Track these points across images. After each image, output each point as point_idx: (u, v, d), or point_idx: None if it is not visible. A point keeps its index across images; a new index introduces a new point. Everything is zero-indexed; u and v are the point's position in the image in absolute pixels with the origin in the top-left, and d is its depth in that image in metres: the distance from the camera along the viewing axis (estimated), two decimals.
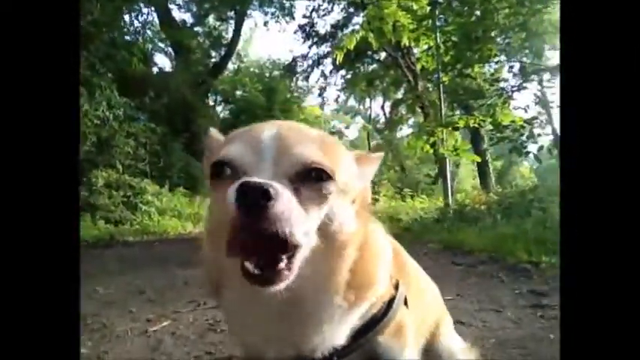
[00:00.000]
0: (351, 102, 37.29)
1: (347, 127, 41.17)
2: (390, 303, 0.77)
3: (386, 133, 29.86)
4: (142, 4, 16.26)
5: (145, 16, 17.35)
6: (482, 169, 16.53)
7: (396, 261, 0.90)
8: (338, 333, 0.71)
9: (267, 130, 0.67)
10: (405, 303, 0.82)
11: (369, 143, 37.72)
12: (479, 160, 10.70)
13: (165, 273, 3.46)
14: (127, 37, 14.17)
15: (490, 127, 8.36)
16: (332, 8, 19.56)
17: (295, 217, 0.58)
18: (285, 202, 0.57)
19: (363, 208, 0.76)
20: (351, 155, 0.77)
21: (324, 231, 0.64)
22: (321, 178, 0.63)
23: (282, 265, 0.58)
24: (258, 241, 0.56)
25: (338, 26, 19.56)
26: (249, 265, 0.57)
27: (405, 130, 29.27)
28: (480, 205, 7.82)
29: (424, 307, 0.95)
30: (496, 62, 9.49)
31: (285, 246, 0.58)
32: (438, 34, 8.67)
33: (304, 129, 0.73)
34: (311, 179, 0.63)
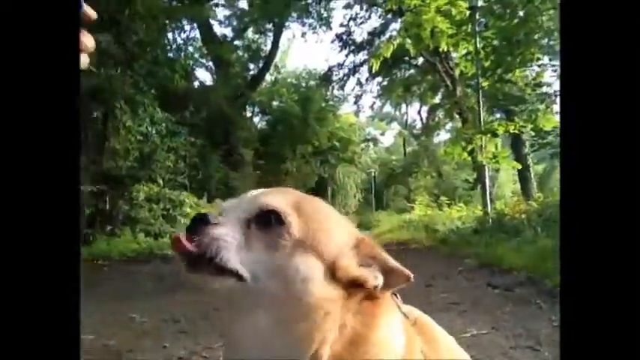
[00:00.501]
0: (387, 108, 37.04)
1: (382, 134, 40.88)
2: None
3: (422, 139, 29.41)
4: (184, 22, 16.88)
5: (187, 33, 18.02)
6: (523, 175, 15.92)
7: (426, 337, 0.86)
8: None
9: (259, 190, 0.78)
10: None
11: (404, 149, 37.22)
12: (519, 167, 10.32)
13: (199, 295, 3.49)
14: (170, 54, 14.72)
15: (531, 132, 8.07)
16: (369, 16, 19.54)
17: (230, 244, 0.67)
18: (222, 230, 0.67)
19: (367, 299, 0.76)
20: (347, 229, 0.79)
21: (284, 279, 0.68)
22: (274, 223, 0.69)
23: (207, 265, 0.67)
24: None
25: (375, 34, 19.51)
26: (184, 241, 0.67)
27: (442, 135, 28.71)
28: (520, 214, 7.52)
29: None
30: (538, 66, 9.16)
31: (211, 263, 0.67)
32: (477, 38, 8.48)
33: (293, 192, 0.81)
34: (264, 222, 0.70)
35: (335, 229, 0.76)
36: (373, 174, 35.87)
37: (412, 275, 0.75)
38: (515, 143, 15.73)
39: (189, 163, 12.92)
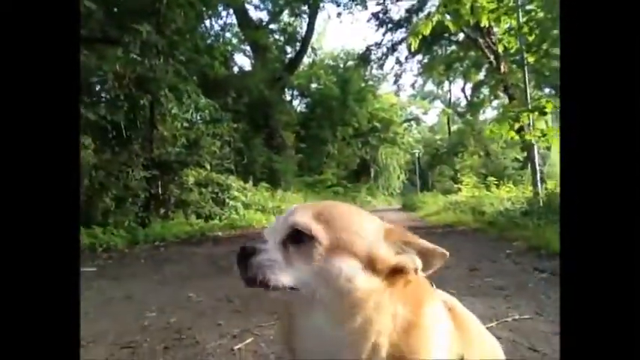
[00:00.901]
0: (429, 86, 36.06)
1: (425, 113, 39.90)
2: None
3: (468, 117, 28.44)
4: (220, 8, 17.10)
5: (224, 19, 18.25)
6: None
7: (456, 322, 0.89)
8: None
9: (292, 208, 0.87)
10: None
11: (449, 128, 36.17)
12: None
13: None
14: (208, 41, 15.01)
15: None
16: None
17: (272, 266, 0.77)
18: (263, 257, 0.77)
19: (405, 284, 0.80)
20: (374, 224, 0.83)
21: (329, 282, 0.76)
22: (304, 237, 0.78)
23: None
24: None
25: (412, 10, 18.89)
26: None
27: (488, 113, 27.63)
28: None
29: None
30: None
31: (264, 284, 0.78)
32: (520, 12, 8.02)
33: (319, 203, 0.88)
34: (296, 239, 0.78)
35: (360, 227, 0.81)
36: (417, 155, 35.21)
37: (447, 253, 0.81)
38: None
39: (233, 148, 13.21)
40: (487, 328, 0.94)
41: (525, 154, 15.63)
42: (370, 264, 0.77)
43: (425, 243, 0.82)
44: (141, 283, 3.73)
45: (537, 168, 9.07)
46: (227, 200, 10.67)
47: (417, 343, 0.75)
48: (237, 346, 2.02)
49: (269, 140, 17.08)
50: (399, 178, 34.42)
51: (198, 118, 12.62)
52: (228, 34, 18.30)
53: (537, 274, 3.47)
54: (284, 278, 0.76)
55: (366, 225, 0.82)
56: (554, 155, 27.11)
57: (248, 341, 2.07)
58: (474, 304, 2.34)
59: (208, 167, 11.15)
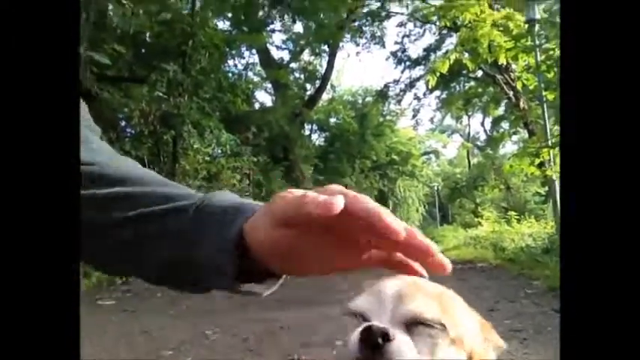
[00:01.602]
0: (448, 121, 36.12)
1: (444, 147, 39.81)
2: None
3: (488, 151, 28.25)
4: (243, 48, 17.81)
5: (246, 59, 18.95)
6: None
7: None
8: None
9: (390, 284, 0.80)
10: None
11: (469, 161, 35.93)
12: None
13: (265, 312, 3.66)
14: (231, 80, 15.56)
15: None
16: (423, 33, 19.36)
17: (408, 355, 0.71)
18: (401, 344, 0.70)
19: None
20: (474, 316, 0.86)
21: None
22: (431, 329, 0.75)
23: None
24: None
25: (430, 49, 19.27)
26: None
27: (508, 147, 27.39)
28: None
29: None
30: None
31: None
32: (537, 51, 8.11)
33: (424, 285, 0.85)
34: (421, 329, 0.75)
35: (468, 319, 0.83)
36: (436, 188, 34.87)
37: (504, 345, 0.84)
38: None
39: (252, 181, 13.38)
40: None
41: (547, 188, 15.36)
42: (470, 358, 0.79)
43: (500, 340, 0.83)
44: (157, 318, 3.76)
45: (559, 204, 8.90)
46: None
47: None
48: None
49: (288, 173, 17.28)
50: (417, 210, 34.05)
51: (220, 152, 12.91)
52: (250, 73, 18.95)
53: (556, 315, 3.38)
54: None
55: (472, 317, 0.84)
56: None
57: None
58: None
59: None
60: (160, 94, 10.94)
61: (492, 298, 4.25)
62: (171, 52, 11.26)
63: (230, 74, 15.74)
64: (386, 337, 0.65)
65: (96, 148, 0.81)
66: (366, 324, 0.69)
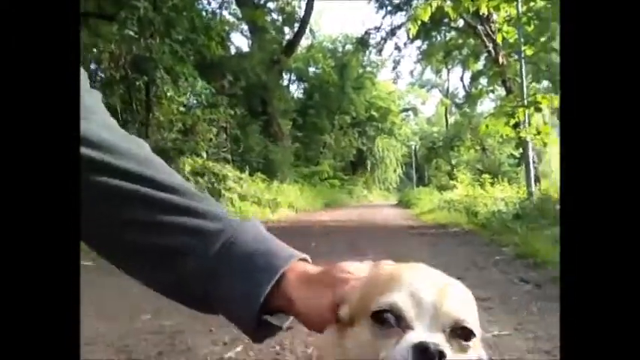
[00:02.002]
0: (427, 75, 35.83)
1: (423, 103, 39.79)
2: None
3: (465, 109, 28.41)
4: None
5: None
6: None
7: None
8: None
9: (426, 284, 0.76)
10: None
11: (446, 120, 36.13)
12: None
13: None
14: (205, 20, 14.72)
15: None
16: None
17: None
18: None
19: None
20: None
21: None
22: (467, 334, 0.73)
23: None
24: None
25: None
26: None
27: (486, 104, 27.58)
28: None
29: None
30: None
31: None
32: (519, 2, 7.95)
33: (456, 286, 0.83)
34: (459, 335, 0.72)
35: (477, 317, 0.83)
36: (414, 147, 35.12)
37: None
38: None
39: (230, 135, 13.08)
40: None
41: (521, 150, 15.66)
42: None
43: None
44: (136, 281, 3.71)
45: (532, 167, 9.09)
46: (223, 191, 10.51)
47: None
48: (228, 354, 2.06)
49: (266, 128, 16.98)
50: (395, 171, 34.46)
51: (195, 102, 12.48)
52: (225, 12, 17.99)
53: (522, 285, 3.51)
54: None
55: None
56: (551, 153, 27.16)
57: (238, 349, 2.10)
58: None
59: (204, 155, 11.06)
60: (131, 34, 10.33)
61: (462, 265, 4.33)
62: None
63: (204, 13, 14.90)
64: (442, 355, 0.63)
65: (100, 121, 0.78)
66: (418, 340, 0.65)
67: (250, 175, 12.43)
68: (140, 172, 0.88)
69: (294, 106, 21.21)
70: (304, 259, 1.00)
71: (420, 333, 0.66)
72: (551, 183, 10.54)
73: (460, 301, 0.74)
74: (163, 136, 10.15)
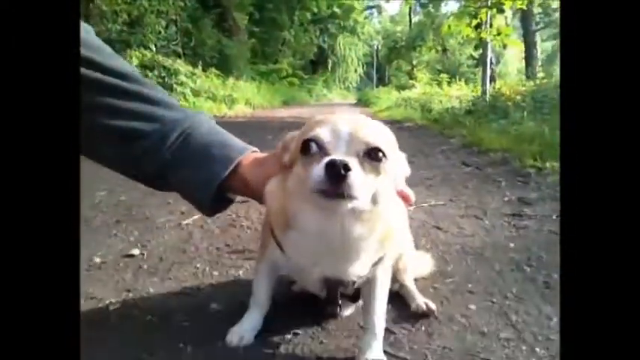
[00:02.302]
0: None
1: (387, 1, 37.87)
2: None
3: (430, 9, 27.43)
4: None
5: None
6: (529, 52, 15.33)
7: None
8: (365, 266, 1.00)
9: (343, 121, 0.91)
10: None
11: (410, 19, 34.90)
12: (522, 47, 9.93)
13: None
14: None
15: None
16: None
17: (361, 184, 0.83)
18: (356, 174, 0.81)
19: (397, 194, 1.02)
20: (400, 152, 1.01)
21: (374, 198, 0.89)
22: (378, 158, 0.86)
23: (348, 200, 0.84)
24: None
25: None
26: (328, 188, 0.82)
27: (451, 5, 26.73)
28: (515, 96, 7.55)
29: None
30: None
31: (349, 198, 0.84)
32: None
33: (371, 122, 0.95)
34: (371, 157, 0.86)
35: (396, 153, 0.97)
36: (376, 47, 34.08)
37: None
38: (525, 17, 14.84)
39: (180, 29, 12.25)
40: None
41: (480, 51, 15.64)
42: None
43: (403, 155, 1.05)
44: (90, 163, 3.70)
45: (489, 66, 9.23)
46: (174, 86, 10.15)
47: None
48: (185, 222, 2.19)
49: (220, 22, 15.88)
50: (356, 71, 33.75)
51: None
52: None
53: (463, 167, 3.81)
54: (364, 194, 0.84)
55: (398, 151, 0.99)
56: (509, 55, 27.26)
57: (195, 217, 2.24)
58: None
59: (153, 49, 10.41)
60: None
61: (411, 153, 4.58)
62: None
63: None
64: (346, 168, 0.79)
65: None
66: (328, 158, 0.81)
67: (204, 70, 12.00)
68: (89, 57, 0.92)
69: (251, 0, 19.70)
70: (255, 152, 1.14)
71: (335, 156, 0.82)
72: (504, 83, 10.79)
73: (373, 131, 0.89)
74: (107, 27, 9.36)
